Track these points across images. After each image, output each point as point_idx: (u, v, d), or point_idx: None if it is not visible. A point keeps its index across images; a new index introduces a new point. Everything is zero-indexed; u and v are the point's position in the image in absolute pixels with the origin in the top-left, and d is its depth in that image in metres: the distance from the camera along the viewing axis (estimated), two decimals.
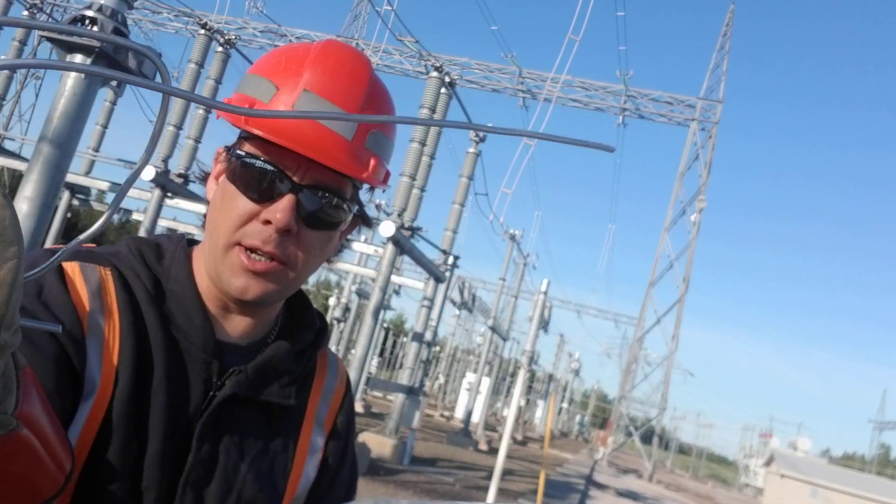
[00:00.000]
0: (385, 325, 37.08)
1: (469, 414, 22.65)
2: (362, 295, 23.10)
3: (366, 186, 0.90)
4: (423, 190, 11.96)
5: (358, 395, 14.55)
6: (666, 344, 30.68)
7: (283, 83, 0.81)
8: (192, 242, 0.93)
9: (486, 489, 10.62)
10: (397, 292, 24.36)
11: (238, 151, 0.83)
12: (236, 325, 0.89)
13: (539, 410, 51.60)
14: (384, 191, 0.95)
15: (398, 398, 12.45)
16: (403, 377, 13.13)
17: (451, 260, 14.01)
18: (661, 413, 31.79)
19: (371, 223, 0.99)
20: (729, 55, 30.26)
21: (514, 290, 25.55)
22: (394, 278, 13.95)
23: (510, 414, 8.64)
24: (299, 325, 0.95)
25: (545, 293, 9.01)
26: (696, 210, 27.98)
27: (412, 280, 15.04)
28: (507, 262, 23.28)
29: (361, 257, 18.84)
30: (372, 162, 0.85)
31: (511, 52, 23.29)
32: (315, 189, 0.82)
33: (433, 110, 11.40)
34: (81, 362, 0.78)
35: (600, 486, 20.39)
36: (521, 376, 9.00)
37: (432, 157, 12.22)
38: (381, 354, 46.86)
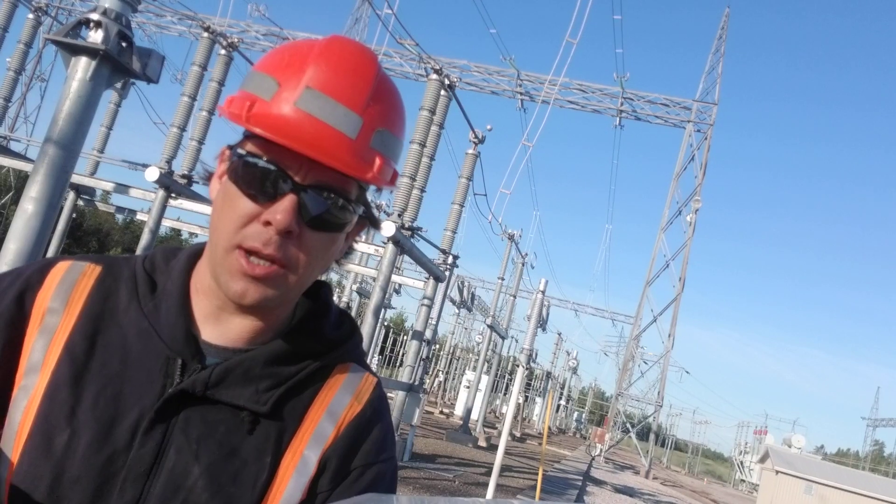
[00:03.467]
0: (385, 323, 37.21)
1: (468, 411, 22.79)
2: (363, 294, 23.25)
3: (374, 187, 0.86)
4: (423, 190, 12.10)
5: None
6: (662, 342, 30.91)
7: (286, 80, 0.78)
8: None
9: (485, 485, 10.81)
10: (397, 291, 24.51)
11: (240, 150, 0.81)
12: (236, 327, 0.85)
13: (537, 407, 51.77)
14: (392, 191, 0.96)
15: (398, 395, 12.59)
16: (404, 375, 13.27)
17: (450, 259, 14.18)
18: (657, 410, 32.00)
19: (379, 224, 0.95)
20: (724, 58, 30.47)
21: (512, 289, 25.70)
22: (394, 277, 14.12)
23: (509, 411, 8.75)
24: (304, 331, 0.89)
25: (543, 292, 9.10)
26: (691, 210, 28.18)
27: (412, 279, 15.21)
28: (505, 262, 23.46)
29: (362, 257, 19.02)
30: (378, 161, 0.81)
31: (510, 54, 23.48)
32: (317, 189, 0.79)
33: (433, 112, 11.56)
34: (15, 353, 0.81)
35: (597, 483, 20.54)
36: (520, 374, 9.11)
37: (432, 158, 12.37)
38: (382, 352, 46.95)
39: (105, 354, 0.82)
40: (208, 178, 0.87)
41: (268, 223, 0.78)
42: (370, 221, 0.91)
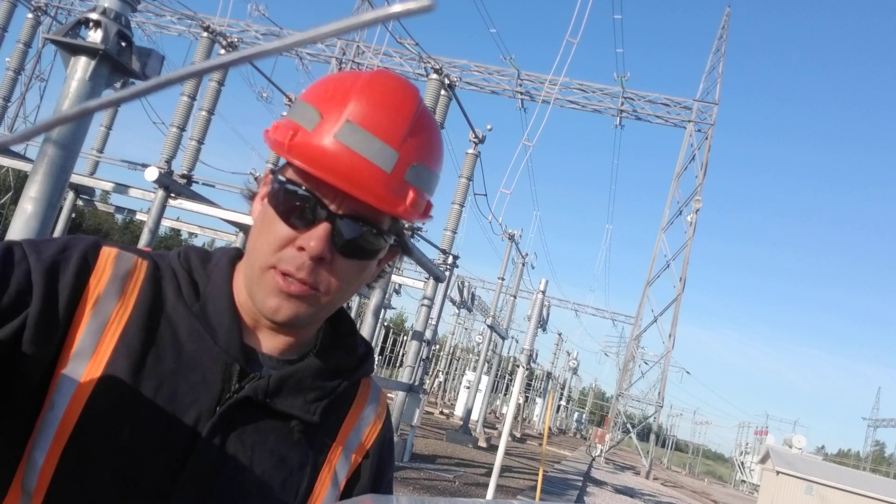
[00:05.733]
0: (385, 323, 37.20)
1: (468, 411, 22.78)
2: (362, 294, 23.22)
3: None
4: None
5: None
6: (663, 342, 30.91)
7: (328, 112, 0.81)
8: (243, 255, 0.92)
9: (485, 486, 10.79)
10: (397, 291, 24.50)
11: (280, 177, 0.84)
12: (269, 341, 0.89)
13: (537, 408, 51.77)
14: (423, 224, 0.98)
15: (398, 396, 12.59)
16: (403, 375, 13.27)
17: (450, 259, 14.17)
18: (657, 411, 31.98)
19: (412, 252, 0.99)
20: (725, 57, 30.46)
21: (512, 290, 25.69)
22: (394, 278, 14.12)
23: (509, 411, 8.74)
24: (338, 348, 0.94)
25: (543, 292, 9.10)
26: (692, 210, 28.17)
27: (412, 279, 15.20)
28: (505, 262, 23.45)
29: None
30: (411, 195, 0.83)
31: (510, 54, 23.48)
32: (351, 219, 0.82)
33: (433, 112, 11.57)
34: (64, 332, 0.78)
35: (598, 483, 20.54)
36: (520, 374, 9.11)
37: None
38: (382, 353, 46.96)
39: (159, 350, 0.82)
40: (251, 197, 0.91)
41: (302, 248, 0.81)
42: (402, 249, 0.94)
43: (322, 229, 0.81)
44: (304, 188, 0.82)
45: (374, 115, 0.81)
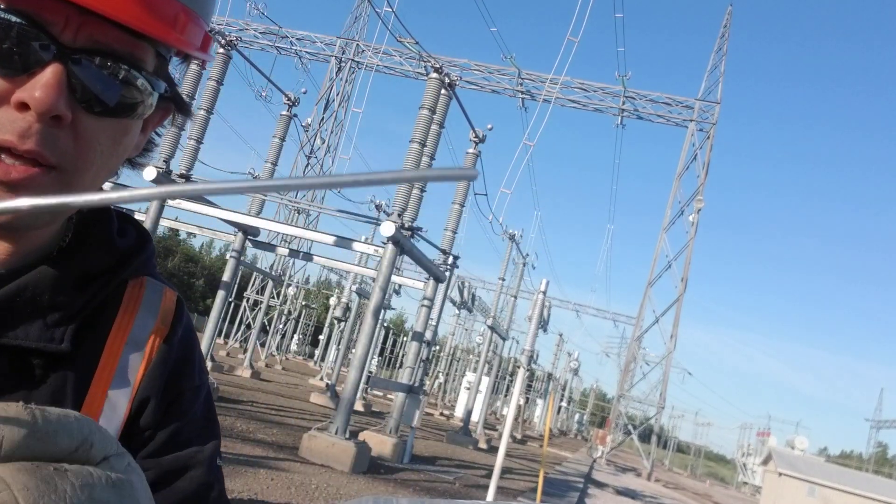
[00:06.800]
0: (385, 324, 37.15)
1: (469, 413, 22.70)
2: (363, 294, 23.15)
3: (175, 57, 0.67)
4: (423, 190, 12.04)
5: (359, 395, 14.62)
6: (664, 343, 30.81)
7: None
8: None
9: (485, 487, 10.69)
10: (397, 292, 24.41)
11: None
12: None
13: (538, 409, 51.68)
14: (205, 63, 0.70)
15: (398, 397, 12.52)
16: (403, 376, 13.20)
17: (450, 260, 14.10)
18: (659, 412, 31.89)
19: (189, 111, 0.73)
20: (727, 56, 30.37)
21: (513, 290, 25.61)
22: (394, 278, 14.04)
23: (509, 412, 8.70)
24: (88, 244, 0.69)
25: (544, 293, 9.05)
26: (694, 210, 28.08)
27: (412, 280, 15.14)
28: (506, 262, 23.36)
29: (362, 257, 18.94)
30: (181, 17, 0.60)
31: (510, 53, 23.41)
32: (94, 54, 0.58)
33: (433, 111, 11.47)
34: None
35: (599, 485, 20.47)
36: (521, 375, 9.05)
37: (432, 157, 12.29)
38: (382, 354, 46.92)
39: None
40: None
41: (24, 105, 0.55)
42: (177, 105, 0.69)
43: (51, 73, 0.55)
44: (11, 11, 0.55)
45: None
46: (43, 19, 0.55)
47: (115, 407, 0.68)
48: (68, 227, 0.69)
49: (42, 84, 0.55)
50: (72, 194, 0.42)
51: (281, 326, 35.05)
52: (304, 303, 42.54)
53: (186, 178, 12.66)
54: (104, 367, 0.68)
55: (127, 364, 0.70)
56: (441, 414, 33.57)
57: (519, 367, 9.08)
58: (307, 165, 31.34)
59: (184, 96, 0.70)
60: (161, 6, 0.58)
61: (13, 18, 0.55)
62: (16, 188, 0.56)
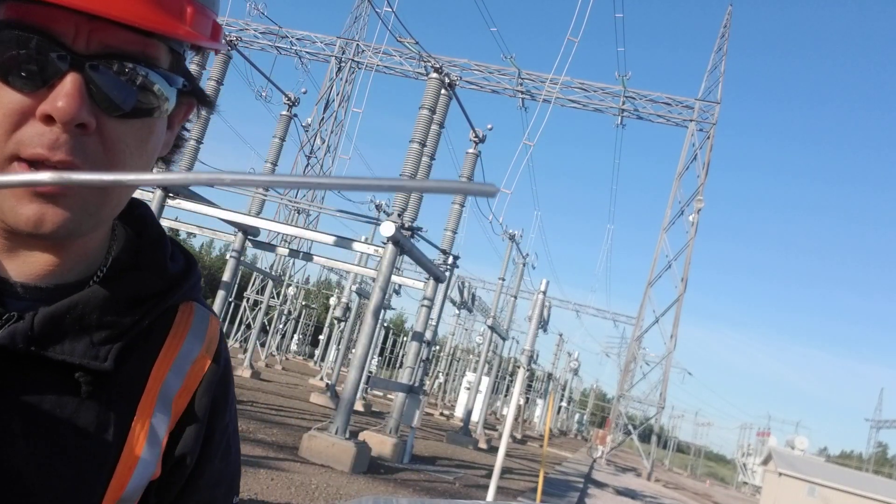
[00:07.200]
0: (385, 324, 37.15)
1: (469, 413, 22.70)
2: (362, 294, 23.16)
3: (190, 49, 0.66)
4: None
5: (359, 395, 14.62)
6: (664, 343, 30.80)
7: None
8: None
9: (485, 487, 10.68)
10: (397, 292, 24.41)
11: None
12: (33, 264, 0.64)
13: (538, 409, 51.67)
14: (217, 53, 0.70)
15: (398, 397, 12.52)
16: (403, 376, 13.20)
17: (450, 260, 14.10)
18: (659, 412, 31.89)
19: (212, 103, 0.73)
20: (727, 56, 30.37)
21: (513, 290, 25.61)
22: (394, 278, 14.04)
23: (509, 412, 8.70)
24: (138, 267, 0.70)
25: (544, 293, 9.05)
26: (694, 210, 28.09)
27: (412, 280, 15.14)
28: (506, 262, 23.35)
29: (362, 257, 18.93)
30: (188, 10, 0.60)
31: (510, 53, 23.42)
32: (107, 59, 0.58)
33: (433, 111, 11.48)
34: None
35: (599, 485, 20.47)
36: (521, 375, 9.05)
37: (432, 157, 12.29)
38: (382, 354, 46.92)
39: None
40: None
41: (49, 118, 0.56)
42: (198, 98, 0.69)
43: (70, 82, 0.56)
44: (24, 26, 0.56)
45: None
46: (54, 30, 0.57)
47: (158, 432, 0.69)
48: (113, 239, 0.71)
49: (63, 94, 0.56)
50: (82, 173, 0.44)
51: (281, 326, 35.04)
52: (304, 303, 42.55)
53: None
54: (150, 390, 0.69)
55: (173, 389, 0.71)
56: (441, 414, 33.56)
57: (519, 367, 9.08)
58: (307, 165, 31.35)
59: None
60: (167, 2, 0.58)
61: (27, 34, 0.56)
62: (53, 199, 0.58)
